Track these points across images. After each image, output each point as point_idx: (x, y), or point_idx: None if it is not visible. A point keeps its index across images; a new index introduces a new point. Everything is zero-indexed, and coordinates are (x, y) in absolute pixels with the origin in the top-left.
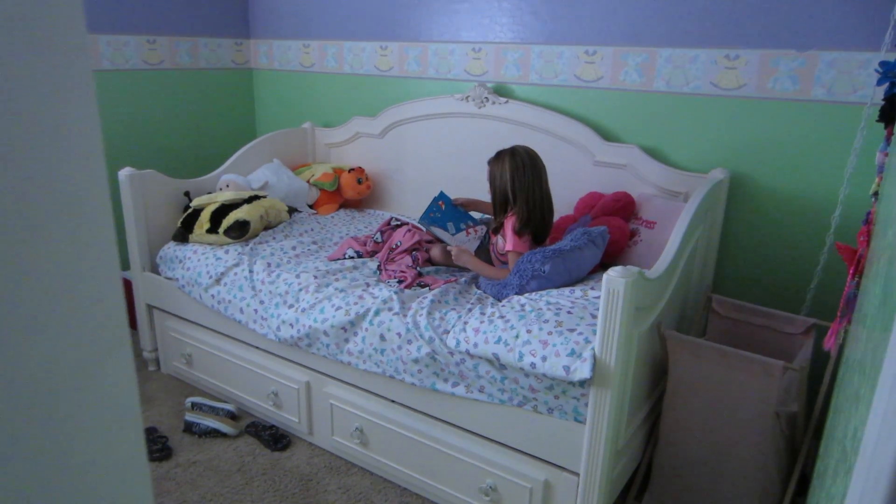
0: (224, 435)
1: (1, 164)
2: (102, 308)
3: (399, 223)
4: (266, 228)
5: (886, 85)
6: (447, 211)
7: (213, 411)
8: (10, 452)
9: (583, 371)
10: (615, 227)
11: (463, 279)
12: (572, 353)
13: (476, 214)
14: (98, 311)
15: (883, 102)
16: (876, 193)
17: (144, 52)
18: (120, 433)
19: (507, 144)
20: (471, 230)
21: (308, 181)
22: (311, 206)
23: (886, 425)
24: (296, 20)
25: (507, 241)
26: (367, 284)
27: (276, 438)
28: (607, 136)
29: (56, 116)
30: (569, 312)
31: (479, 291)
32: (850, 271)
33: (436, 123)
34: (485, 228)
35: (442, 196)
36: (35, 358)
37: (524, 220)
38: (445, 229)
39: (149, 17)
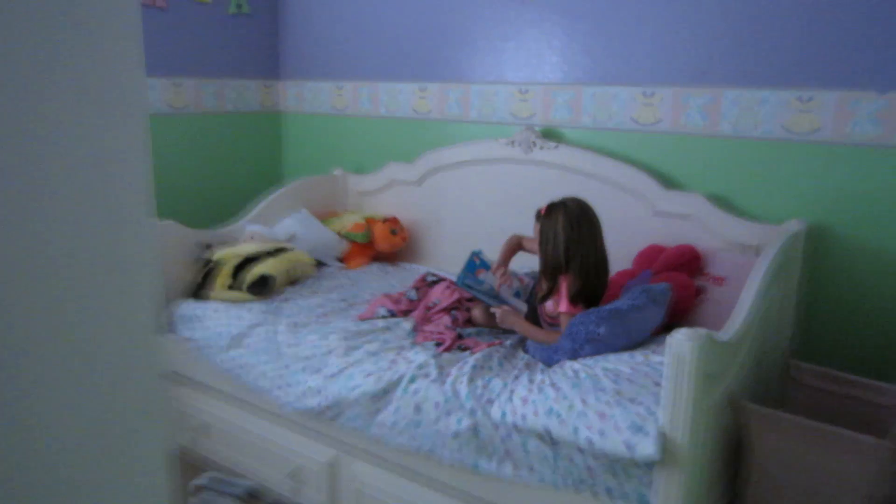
0: None
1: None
2: (140, 368)
3: (435, 279)
4: (291, 284)
5: None
6: (484, 274)
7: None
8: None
9: (647, 448)
10: (679, 284)
11: (508, 342)
12: (634, 426)
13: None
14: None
15: None
16: None
17: (170, 96)
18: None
19: (556, 192)
20: (514, 283)
21: (338, 232)
22: (340, 260)
23: None
24: (329, 60)
25: (558, 303)
26: (401, 347)
27: None
28: (668, 183)
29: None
30: (629, 380)
31: (526, 356)
32: None
33: (478, 170)
34: (532, 282)
35: (479, 254)
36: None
37: (579, 289)
38: (483, 293)
39: (175, 57)
